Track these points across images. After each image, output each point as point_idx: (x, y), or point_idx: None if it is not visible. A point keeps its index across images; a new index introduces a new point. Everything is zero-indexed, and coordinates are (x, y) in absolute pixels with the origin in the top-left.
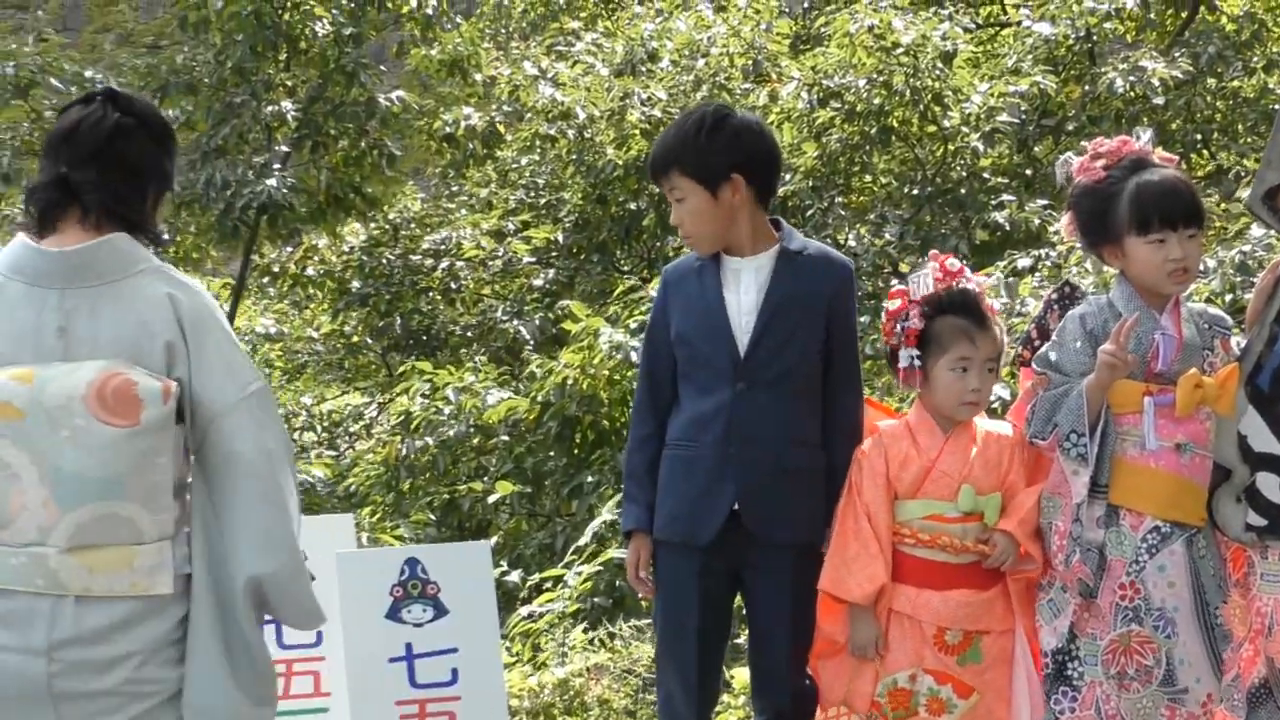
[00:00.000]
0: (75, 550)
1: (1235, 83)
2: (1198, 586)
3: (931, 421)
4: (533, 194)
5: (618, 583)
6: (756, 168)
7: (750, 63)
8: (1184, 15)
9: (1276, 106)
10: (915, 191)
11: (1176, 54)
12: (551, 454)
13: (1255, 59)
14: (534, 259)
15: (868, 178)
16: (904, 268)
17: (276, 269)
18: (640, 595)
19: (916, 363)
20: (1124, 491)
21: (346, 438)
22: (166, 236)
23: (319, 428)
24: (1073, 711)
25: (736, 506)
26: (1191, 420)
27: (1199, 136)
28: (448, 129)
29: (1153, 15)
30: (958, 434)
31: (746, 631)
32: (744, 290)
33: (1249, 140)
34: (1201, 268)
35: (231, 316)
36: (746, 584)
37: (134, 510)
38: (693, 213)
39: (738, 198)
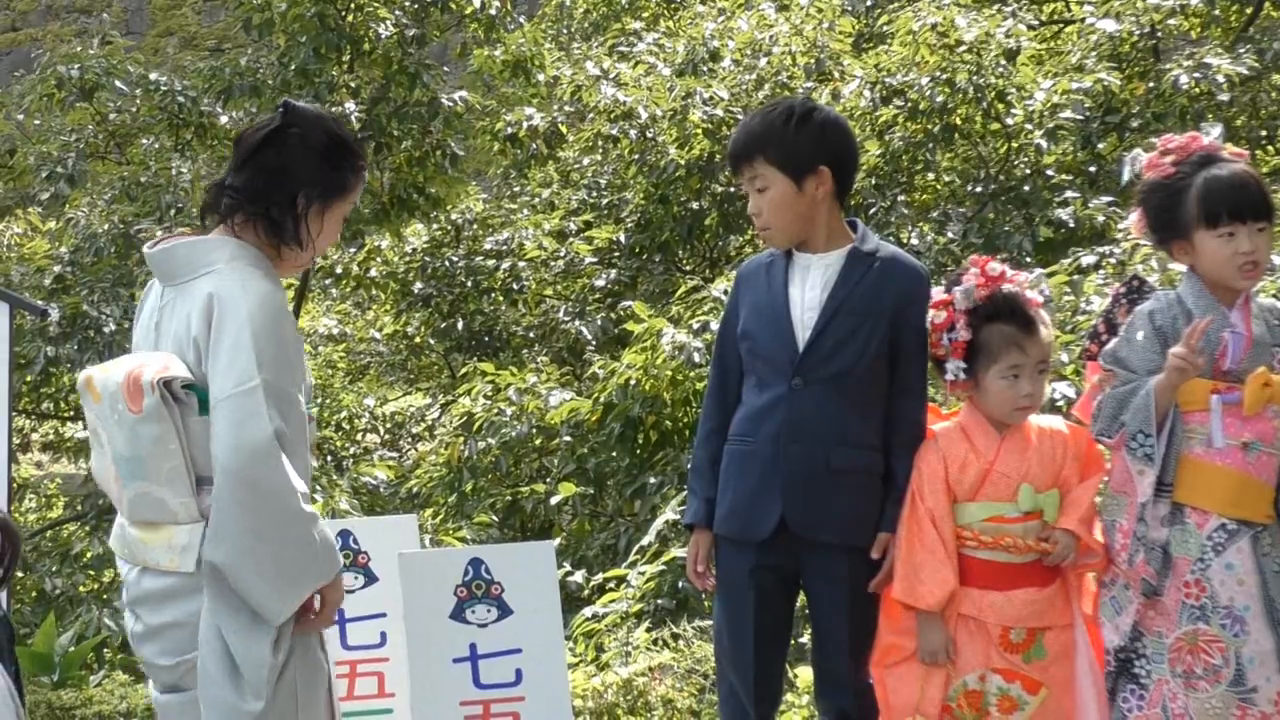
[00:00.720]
0: (136, 524)
1: None
2: (1264, 583)
3: (985, 423)
4: (595, 194)
5: (681, 583)
6: (843, 163)
7: (813, 61)
8: (1249, 11)
9: None
10: (979, 189)
11: (1241, 50)
12: (614, 455)
13: None
14: (596, 259)
15: (931, 176)
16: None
17: (339, 270)
18: (700, 590)
19: (963, 375)
20: (1189, 490)
21: (409, 439)
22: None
23: (382, 429)
24: (1140, 710)
25: (783, 505)
26: (1259, 419)
27: (1264, 132)
28: (510, 129)
29: (1217, 11)
30: (1012, 433)
31: (810, 630)
32: (809, 287)
33: None
34: (1269, 264)
35: (295, 317)
36: (804, 584)
37: (163, 492)
38: (774, 203)
39: (821, 191)
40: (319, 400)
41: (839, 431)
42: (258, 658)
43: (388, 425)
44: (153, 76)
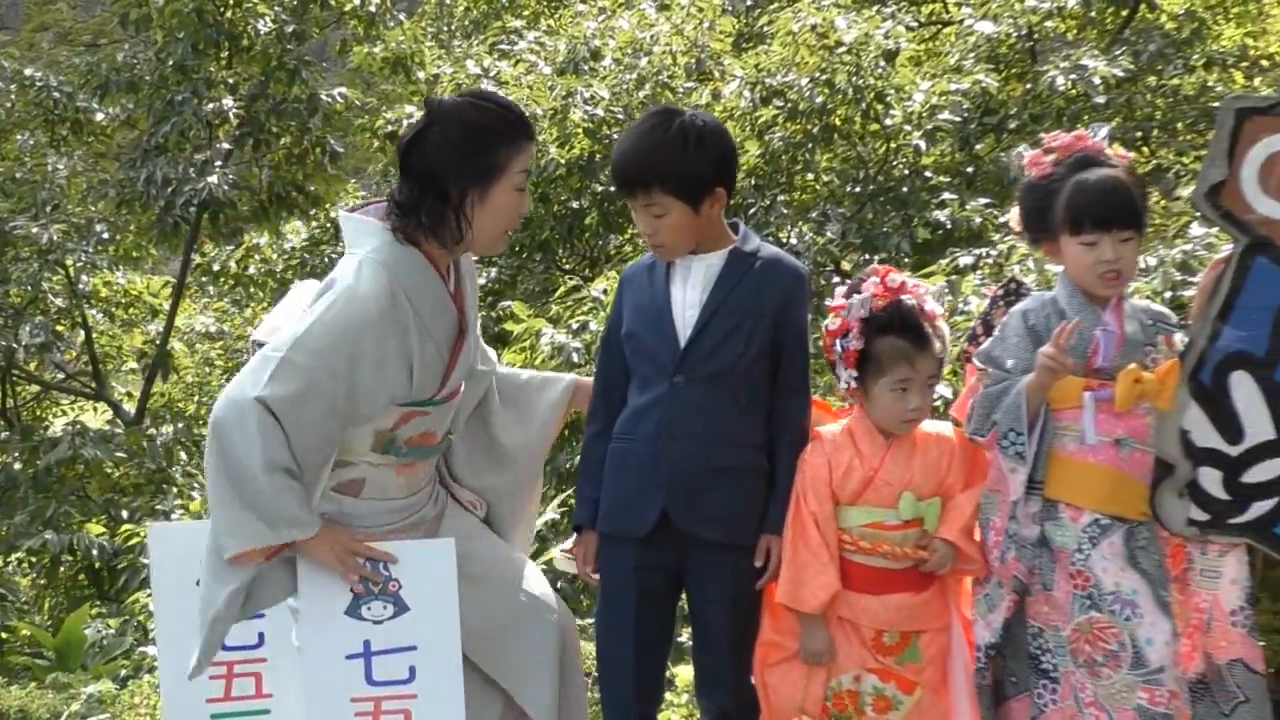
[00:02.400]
0: None
1: (1175, 80)
2: (1144, 572)
3: (873, 429)
4: None
5: (559, 583)
6: (732, 173)
7: (693, 61)
8: (1124, 13)
9: (1217, 104)
10: (858, 189)
11: (1117, 52)
12: None
13: (1195, 57)
14: (476, 257)
15: (810, 176)
16: (846, 265)
17: (217, 267)
18: (585, 586)
19: (854, 383)
20: (1061, 486)
21: None
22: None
23: None
24: (1055, 704)
25: (665, 501)
26: (1131, 415)
27: (1139, 134)
28: (390, 127)
29: (1093, 13)
30: (899, 441)
31: (690, 628)
32: (691, 286)
33: (1188, 138)
34: (1143, 265)
35: (172, 315)
36: (687, 582)
37: None
38: (671, 227)
39: (715, 209)
40: (196, 399)
41: (720, 430)
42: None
43: None
44: (27, 72)
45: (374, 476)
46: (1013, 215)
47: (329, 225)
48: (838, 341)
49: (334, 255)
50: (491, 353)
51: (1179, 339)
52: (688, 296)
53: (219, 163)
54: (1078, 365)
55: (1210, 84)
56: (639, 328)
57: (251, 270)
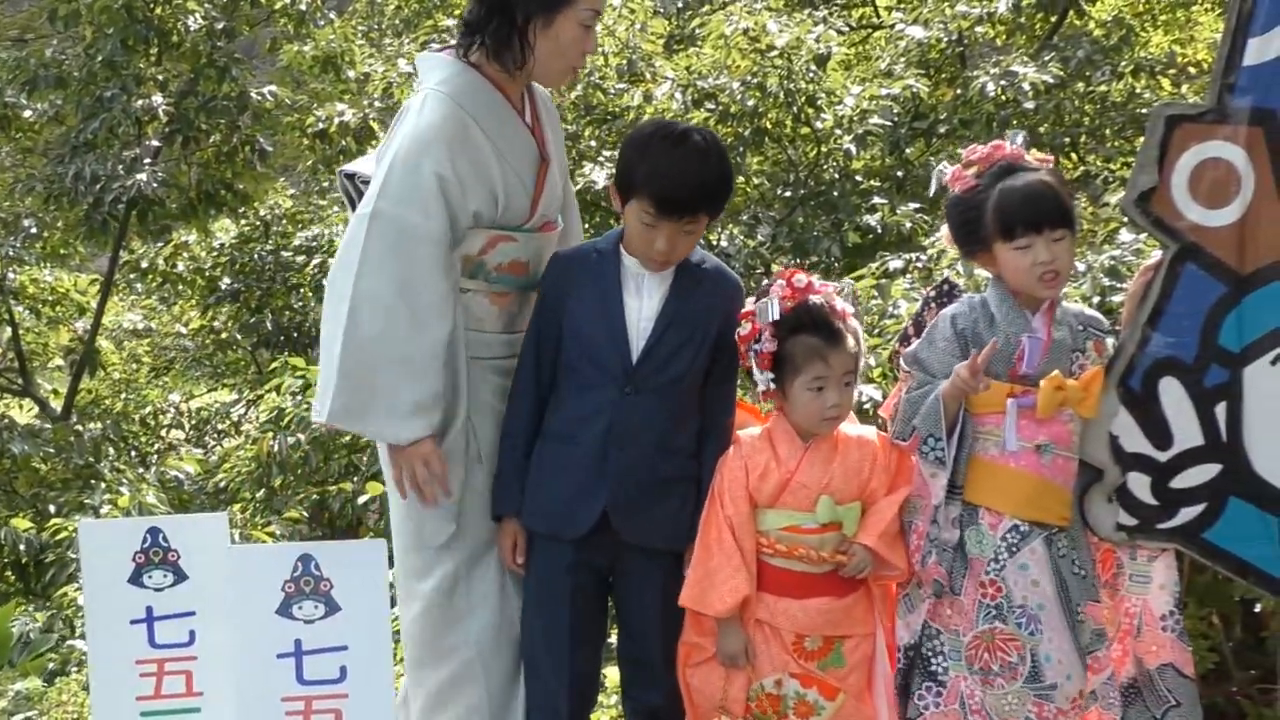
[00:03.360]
0: None
1: (1103, 87)
2: (1061, 584)
3: (791, 432)
4: None
5: None
6: None
7: (625, 62)
8: (1053, 19)
9: (1145, 111)
10: (788, 193)
11: (1046, 58)
12: None
13: (1123, 63)
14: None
15: (741, 179)
16: (776, 269)
17: (145, 264)
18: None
19: (772, 385)
20: (981, 491)
21: (214, 435)
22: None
23: (187, 425)
24: (937, 706)
25: (607, 508)
26: (1054, 422)
27: (1068, 140)
28: (320, 125)
29: (1023, 19)
30: (818, 444)
31: (617, 630)
32: (646, 296)
33: (1116, 144)
34: (1071, 271)
35: (99, 312)
36: (617, 584)
37: None
38: (689, 244)
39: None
40: (124, 396)
41: (666, 439)
42: None
43: (193, 421)
44: None
45: (465, 302)
46: (944, 233)
47: (258, 223)
48: (750, 346)
49: (263, 253)
50: (577, 220)
51: (1110, 343)
52: (644, 306)
53: (148, 160)
54: (1002, 370)
55: (1138, 91)
56: (588, 329)
57: (180, 268)
